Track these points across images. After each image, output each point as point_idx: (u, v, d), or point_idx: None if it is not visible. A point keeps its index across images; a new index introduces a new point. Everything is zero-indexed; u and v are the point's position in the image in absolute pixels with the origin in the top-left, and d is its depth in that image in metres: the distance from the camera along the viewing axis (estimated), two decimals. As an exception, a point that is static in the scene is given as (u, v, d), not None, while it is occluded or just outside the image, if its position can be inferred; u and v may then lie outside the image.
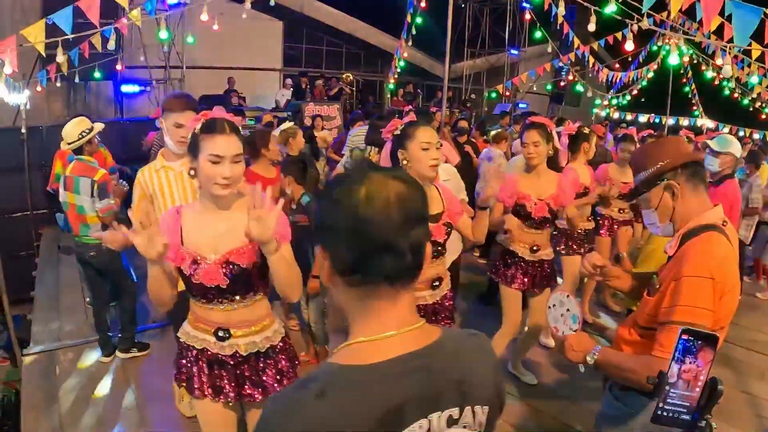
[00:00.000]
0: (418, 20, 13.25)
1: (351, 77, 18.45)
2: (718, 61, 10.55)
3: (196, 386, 2.84)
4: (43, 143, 10.82)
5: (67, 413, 4.64)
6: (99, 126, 5.47)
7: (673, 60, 10.53)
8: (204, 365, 2.83)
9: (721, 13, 5.82)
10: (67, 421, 4.53)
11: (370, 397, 1.24)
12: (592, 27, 8.30)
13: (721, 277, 2.28)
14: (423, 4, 12.42)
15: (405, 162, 3.40)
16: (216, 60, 16.96)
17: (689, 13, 6.91)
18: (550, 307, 2.77)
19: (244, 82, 16.77)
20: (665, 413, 1.67)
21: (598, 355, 2.47)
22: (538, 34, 15.06)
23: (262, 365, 2.86)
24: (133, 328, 5.63)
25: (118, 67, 12.43)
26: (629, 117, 22.71)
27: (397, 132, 3.49)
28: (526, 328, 5.17)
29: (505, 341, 4.84)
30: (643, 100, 22.87)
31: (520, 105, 20.48)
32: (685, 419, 1.67)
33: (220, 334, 2.76)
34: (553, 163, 4.91)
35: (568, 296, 2.72)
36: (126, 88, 14.95)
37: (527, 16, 14.71)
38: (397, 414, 1.24)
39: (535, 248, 4.66)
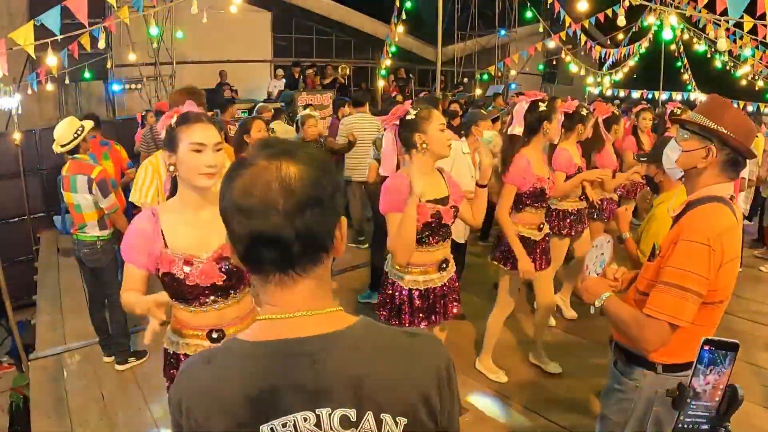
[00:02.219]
0: (408, 4, 13.18)
1: (348, 70, 18.45)
2: (711, 35, 10.53)
3: None
4: (37, 147, 10.82)
5: (76, 416, 4.65)
6: (89, 123, 5.47)
7: (667, 35, 10.49)
8: None
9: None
10: (78, 424, 4.54)
11: (245, 373, 1.23)
12: (583, 5, 8.29)
13: (719, 246, 2.29)
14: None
15: (425, 145, 3.47)
16: (206, 54, 16.88)
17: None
18: (593, 247, 2.83)
19: (236, 75, 16.69)
20: (685, 425, 1.66)
21: (605, 301, 2.57)
22: (528, 14, 15.02)
23: None
24: (127, 341, 5.48)
25: (108, 65, 12.39)
26: (622, 93, 22.65)
27: (411, 117, 3.51)
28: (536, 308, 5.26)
29: (502, 320, 4.92)
30: (635, 76, 22.85)
31: (513, 86, 20.45)
32: (704, 429, 1.66)
33: (214, 335, 2.68)
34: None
35: (609, 241, 2.83)
36: (122, 87, 14.87)
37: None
38: (271, 396, 1.20)
39: (541, 226, 4.71)
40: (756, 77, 19.78)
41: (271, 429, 1.19)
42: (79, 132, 5.26)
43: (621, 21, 9.64)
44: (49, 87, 9.41)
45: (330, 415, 1.21)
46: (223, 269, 2.59)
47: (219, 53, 17.07)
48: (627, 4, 8.52)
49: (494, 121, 8.00)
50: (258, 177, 1.20)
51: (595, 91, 22.31)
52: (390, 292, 3.76)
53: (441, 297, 3.76)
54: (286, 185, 1.19)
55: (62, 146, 5.23)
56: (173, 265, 2.54)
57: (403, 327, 3.49)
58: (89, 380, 5.21)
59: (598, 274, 2.76)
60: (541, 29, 14.51)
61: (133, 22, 8.84)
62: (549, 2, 11.61)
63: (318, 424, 1.20)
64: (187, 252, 2.56)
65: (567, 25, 13.48)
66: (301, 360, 1.22)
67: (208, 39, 15.70)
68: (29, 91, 9.65)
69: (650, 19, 12.17)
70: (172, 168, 2.58)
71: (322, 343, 1.24)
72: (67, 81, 11.61)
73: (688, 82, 22.97)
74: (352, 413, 1.21)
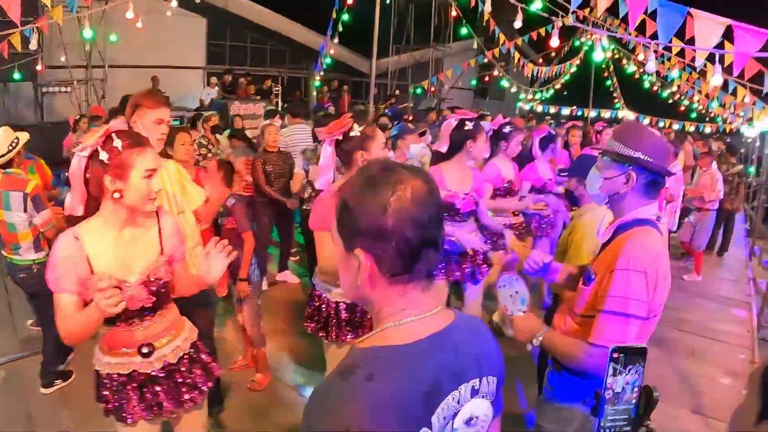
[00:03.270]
0: (345, 17, 13.18)
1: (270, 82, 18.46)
2: (640, 57, 10.81)
3: (128, 413, 2.71)
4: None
5: (2, 435, 4.45)
6: (24, 136, 5.13)
7: (597, 56, 10.77)
8: (133, 389, 2.72)
9: (644, 11, 5.99)
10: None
11: (415, 373, 1.32)
12: (518, 24, 8.41)
13: (653, 269, 2.38)
14: (350, 1, 12.35)
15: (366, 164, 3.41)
16: (138, 59, 16.43)
17: (611, 9, 7.06)
18: (500, 288, 2.80)
19: (168, 81, 16.32)
20: (607, 430, 1.71)
21: (543, 337, 2.61)
22: (464, 30, 15.17)
23: (189, 367, 2.86)
24: (58, 362, 5.21)
25: (39, 67, 12.00)
26: (553, 110, 23.11)
27: (356, 133, 3.44)
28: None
29: None
30: (565, 93, 23.37)
31: (446, 102, 20.65)
32: (626, 430, 1.72)
33: (144, 350, 2.69)
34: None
35: (516, 278, 2.77)
36: (52, 89, 14.38)
37: (453, 13, 14.76)
38: (437, 386, 1.34)
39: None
40: (682, 98, 20.42)
41: (436, 416, 1.34)
42: (14, 144, 4.96)
43: (554, 42, 9.81)
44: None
45: (465, 388, 1.42)
46: (151, 291, 2.59)
47: (152, 58, 16.68)
48: (560, 24, 8.67)
49: (422, 135, 8.06)
50: (416, 191, 1.36)
51: (526, 107, 22.74)
52: (317, 304, 3.76)
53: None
54: (433, 197, 1.39)
55: None
56: (101, 291, 2.40)
57: (330, 339, 3.70)
58: (14, 398, 4.98)
59: (523, 312, 2.74)
60: (475, 45, 14.64)
61: (65, 23, 8.56)
62: (485, 20, 11.72)
63: (459, 400, 1.40)
64: (114, 276, 2.47)
65: (501, 42, 13.68)
66: (447, 349, 1.41)
67: (142, 43, 15.15)
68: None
69: (581, 40, 12.38)
70: (117, 195, 2.47)
71: (452, 332, 1.44)
72: None
73: (617, 100, 23.62)
74: (476, 382, 1.45)
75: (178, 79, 17.73)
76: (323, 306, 3.73)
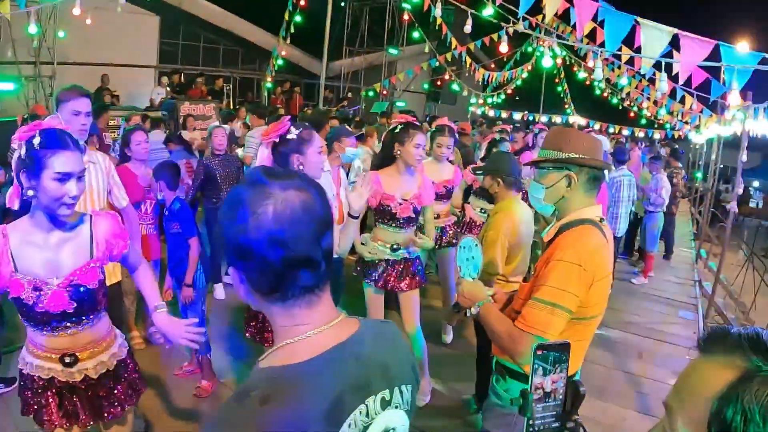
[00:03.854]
0: (297, 18, 13.14)
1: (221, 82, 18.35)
2: (590, 64, 11.01)
3: (45, 418, 2.68)
4: None
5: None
6: None
7: (547, 62, 10.96)
8: (53, 395, 2.68)
9: (594, 19, 6.10)
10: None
11: (314, 391, 1.24)
12: (468, 29, 8.51)
13: (590, 266, 2.42)
14: (303, 2, 12.32)
15: (301, 167, 3.43)
16: (89, 56, 16.03)
17: (563, 17, 7.17)
18: (460, 248, 2.85)
19: (119, 80, 16.04)
20: (536, 428, 1.74)
21: (481, 308, 2.67)
22: (416, 35, 15.26)
23: (113, 383, 2.80)
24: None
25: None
26: (504, 115, 23.35)
27: (292, 137, 3.45)
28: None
29: None
30: (517, 98, 23.68)
31: (398, 103, 20.72)
32: (555, 426, 1.74)
33: (67, 360, 2.63)
34: None
35: (477, 245, 2.83)
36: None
37: (405, 17, 14.81)
38: (339, 403, 1.26)
39: (395, 246, 4.61)
40: (631, 104, 20.85)
41: None
42: None
43: (504, 47, 9.94)
44: None
45: (374, 401, 1.35)
46: (73, 297, 2.52)
47: (103, 56, 16.29)
48: (511, 31, 8.78)
49: (359, 138, 8.03)
50: (284, 207, 1.25)
51: (478, 111, 22.94)
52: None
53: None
54: (309, 210, 1.28)
55: None
56: (22, 290, 2.46)
57: (268, 344, 3.63)
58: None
59: (473, 279, 2.80)
60: (427, 50, 14.76)
61: (13, 17, 8.37)
62: (438, 24, 11.79)
63: (368, 413, 1.33)
64: (36, 276, 2.47)
65: (453, 47, 13.78)
66: (349, 361, 1.33)
67: (92, 40, 14.83)
68: None
69: (533, 46, 12.54)
70: (30, 192, 2.41)
71: (355, 343, 1.37)
72: None
73: (567, 106, 24.01)
74: (386, 394, 1.38)
75: (130, 77, 17.42)
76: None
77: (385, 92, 20.71)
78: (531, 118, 22.87)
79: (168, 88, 15.93)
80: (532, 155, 8.16)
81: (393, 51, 21.90)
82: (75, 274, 2.54)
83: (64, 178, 2.38)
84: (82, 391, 2.70)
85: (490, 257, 3.98)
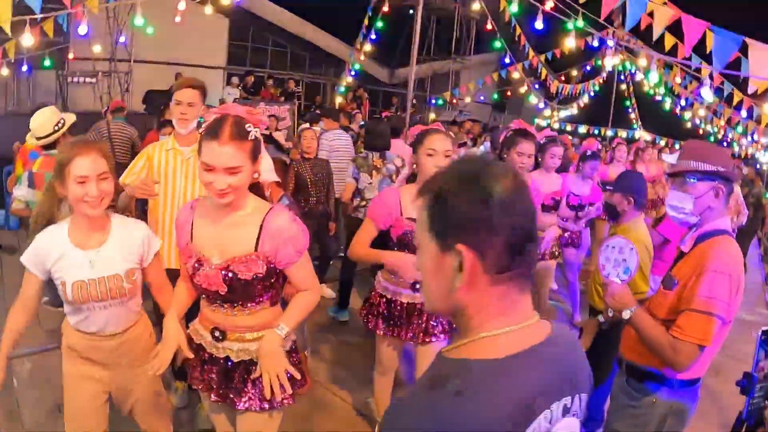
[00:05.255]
0: (379, 24, 13.09)
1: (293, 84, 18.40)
2: (676, 80, 10.81)
3: (194, 376, 2.82)
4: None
5: (32, 429, 4.27)
6: (71, 117, 4.94)
7: (653, 77, 10.81)
8: (197, 359, 2.78)
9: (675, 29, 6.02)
10: (34, 438, 4.16)
11: (509, 391, 1.21)
12: (539, 24, 8.39)
13: (736, 275, 2.58)
14: (386, 9, 12.25)
15: (414, 166, 3.55)
16: (160, 55, 16.39)
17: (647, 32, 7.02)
18: (608, 247, 2.90)
19: (189, 79, 16.29)
20: (753, 406, 1.83)
21: (634, 314, 2.70)
22: (497, 44, 15.05)
23: (251, 375, 2.70)
24: None
25: (70, 55, 11.89)
26: (569, 128, 23.05)
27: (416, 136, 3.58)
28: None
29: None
30: (590, 111, 23.28)
31: (464, 114, 20.60)
32: (762, 405, 1.97)
33: (216, 334, 2.69)
34: None
35: (632, 248, 2.83)
36: (77, 80, 14.20)
37: (488, 26, 14.63)
38: (530, 406, 1.22)
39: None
40: (701, 122, 20.47)
41: None
42: (59, 125, 4.75)
43: (608, 63, 9.77)
44: (5, 72, 8.91)
45: (557, 406, 1.29)
46: (226, 281, 2.53)
47: (174, 55, 16.62)
48: (612, 42, 8.61)
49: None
50: (516, 185, 1.27)
51: (543, 123, 22.68)
52: (372, 293, 3.94)
53: (411, 314, 3.75)
54: (528, 191, 1.30)
55: (38, 138, 4.72)
56: (189, 260, 2.61)
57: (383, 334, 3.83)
58: (43, 391, 4.80)
59: (622, 281, 2.81)
60: (507, 59, 14.63)
61: (92, 14, 8.44)
62: (517, 35, 11.68)
63: (550, 419, 1.27)
64: (202, 252, 2.58)
65: (531, 56, 13.61)
66: (545, 365, 1.29)
67: (164, 40, 15.07)
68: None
69: (613, 60, 12.26)
70: (256, 176, 2.56)
71: (551, 345, 1.33)
72: (24, 68, 10.85)
73: (634, 121, 23.63)
74: (568, 401, 1.33)
75: (199, 77, 17.57)
76: (372, 293, 3.92)
77: (454, 101, 20.58)
78: (597, 132, 22.54)
79: (240, 89, 16.02)
80: (616, 170, 7.98)
81: (461, 61, 21.79)
82: (234, 260, 2.53)
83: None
84: (220, 368, 2.73)
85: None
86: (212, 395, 2.73)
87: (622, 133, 22.69)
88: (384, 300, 3.79)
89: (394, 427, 1.22)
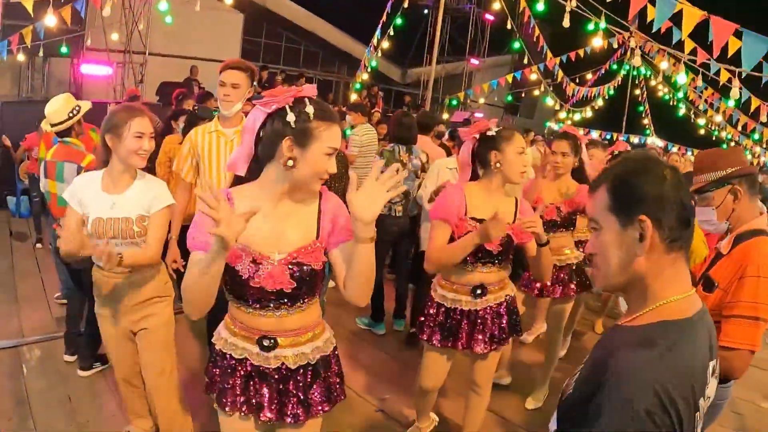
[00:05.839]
0: (398, 21, 12.99)
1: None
2: (699, 83, 10.71)
3: (228, 400, 2.43)
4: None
5: (41, 421, 4.14)
6: (87, 104, 4.82)
7: (681, 78, 10.75)
8: (240, 377, 2.42)
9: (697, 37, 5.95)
10: (43, 428, 4.04)
11: (697, 345, 1.46)
12: (566, 23, 8.27)
13: None
14: (405, 4, 12.15)
15: (498, 165, 3.35)
16: (174, 48, 16.36)
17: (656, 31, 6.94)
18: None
19: (202, 73, 16.23)
20: None
21: None
22: (516, 45, 14.97)
23: (310, 380, 2.47)
24: (95, 349, 4.84)
25: (88, 42, 11.82)
26: (581, 132, 22.91)
27: (492, 134, 3.40)
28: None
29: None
30: (590, 114, 23.15)
31: (477, 114, 20.49)
32: None
33: (265, 343, 2.38)
34: (579, 174, 4.67)
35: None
36: (91, 69, 14.11)
37: (509, 27, 14.51)
38: (708, 358, 1.49)
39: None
40: (714, 128, 20.37)
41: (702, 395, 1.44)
42: (74, 112, 4.66)
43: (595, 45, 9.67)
44: (21, 58, 8.84)
45: (712, 365, 1.51)
46: (294, 275, 2.29)
47: (187, 49, 16.58)
48: (633, 43, 8.51)
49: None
50: (676, 170, 1.53)
51: (555, 126, 22.57)
52: (428, 303, 3.68)
53: (472, 322, 3.50)
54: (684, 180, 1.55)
55: (53, 125, 4.64)
56: (238, 261, 2.27)
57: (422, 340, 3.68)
58: (52, 380, 4.69)
59: None
60: (525, 60, 14.54)
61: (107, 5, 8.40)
62: (535, 36, 11.58)
63: (712, 372, 1.51)
64: (257, 249, 2.28)
65: (548, 58, 13.51)
66: (707, 328, 1.54)
67: (179, 34, 15.16)
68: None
69: (633, 62, 12.15)
70: (290, 163, 2.24)
71: (705, 313, 1.56)
72: (41, 53, 10.71)
73: (647, 126, 23.51)
74: (714, 363, 1.54)
75: (212, 71, 17.52)
76: (429, 303, 3.67)
77: (469, 102, 20.51)
78: (609, 137, 22.40)
79: (255, 85, 15.95)
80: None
81: (475, 62, 21.70)
82: (300, 251, 2.33)
83: (332, 153, 2.26)
84: (273, 381, 2.42)
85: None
86: (263, 416, 2.43)
87: (635, 139, 22.60)
88: (443, 309, 3.57)
89: (630, 384, 1.34)
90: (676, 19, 6.37)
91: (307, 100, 2.23)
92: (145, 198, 3.34)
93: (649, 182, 1.49)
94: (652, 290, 1.52)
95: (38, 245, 8.11)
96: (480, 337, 3.50)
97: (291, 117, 2.17)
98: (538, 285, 4.60)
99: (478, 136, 3.48)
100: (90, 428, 4.12)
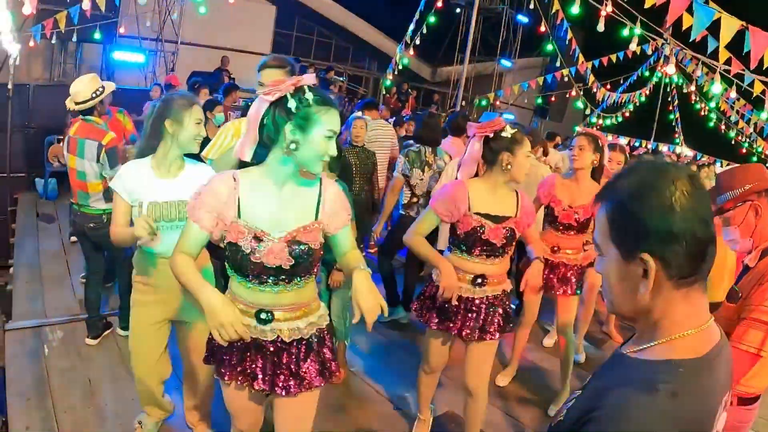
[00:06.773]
0: (431, 19, 12.95)
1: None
2: (732, 95, 10.60)
3: (226, 370, 2.65)
4: (29, 103, 10.25)
5: (60, 400, 4.17)
6: (111, 85, 5.06)
7: (716, 88, 10.65)
8: (237, 349, 2.62)
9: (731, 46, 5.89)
10: (61, 409, 4.07)
11: (709, 388, 1.32)
12: (601, 27, 8.21)
13: None
14: (439, 3, 12.12)
15: (509, 166, 3.42)
16: (205, 38, 16.50)
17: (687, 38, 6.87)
18: None
19: (233, 64, 16.33)
20: None
21: None
22: (549, 47, 14.85)
23: (303, 354, 2.63)
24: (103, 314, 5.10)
25: (121, 30, 11.89)
26: (610, 138, 22.74)
27: (507, 135, 3.45)
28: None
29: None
30: (622, 120, 22.98)
31: (506, 115, 20.37)
32: None
33: (263, 316, 2.56)
34: (597, 174, 4.64)
35: None
36: (123, 56, 14.26)
37: (542, 29, 14.41)
38: (719, 403, 1.35)
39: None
40: (743, 140, 20.16)
41: None
42: (98, 92, 4.87)
43: (632, 46, 9.61)
44: (54, 42, 8.92)
45: (723, 401, 1.38)
46: (292, 253, 2.47)
47: (219, 39, 16.70)
48: (668, 51, 8.43)
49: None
50: (696, 190, 1.30)
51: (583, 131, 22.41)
52: (427, 285, 3.81)
53: (468, 310, 3.60)
54: (707, 196, 1.34)
55: (77, 103, 4.81)
56: (241, 237, 2.45)
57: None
58: (73, 361, 4.73)
59: None
60: (558, 62, 14.45)
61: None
62: (568, 39, 11.50)
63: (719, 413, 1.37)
64: (260, 227, 2.47)
65: (580, 62, 13.41)
66: (725, 363, 1.39)
67: (211, 24, 15.29)
68: (31, 43, 9.15)
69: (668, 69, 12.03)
70: (293, 147, 2.42)
71: (725, 346, 1.41)
72: (74, 38, 10.76)
73: (677, 136, 23.30)
74: (726, 397, 1.41)
75: (244, 63, 17.57)
76: (428, 285, 3.80)
77: (498, 103, 20.42)
78: (638, 144, 22.21)
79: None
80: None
81: (507, 63, 21.61)
82: (299, 231, 2.51)
83: (332, 136, 2.41)
84: (268, 353, 2.60)
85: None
86: (256, 385, 2.60)
87: (663, 147, 22.41)
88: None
89: (616, 426, 1.23)
90: (712, 28, 6.29)
91: (306, 87, 2.38)
92: (198, 181, 3.27)
93: (654, 215, 1.28)
94: (662, 325, 1.36)
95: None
96: (470, 324, 3.58)
97: (292, 104, 2.34)
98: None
99: (492, 134, 3.49)
100: (107, 411, 4.15)
